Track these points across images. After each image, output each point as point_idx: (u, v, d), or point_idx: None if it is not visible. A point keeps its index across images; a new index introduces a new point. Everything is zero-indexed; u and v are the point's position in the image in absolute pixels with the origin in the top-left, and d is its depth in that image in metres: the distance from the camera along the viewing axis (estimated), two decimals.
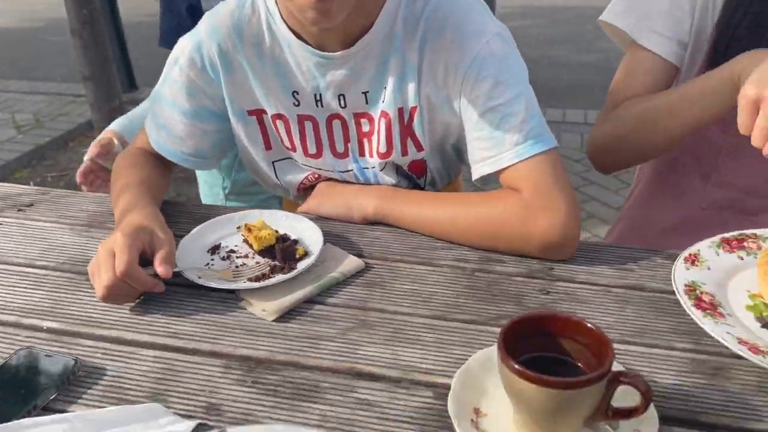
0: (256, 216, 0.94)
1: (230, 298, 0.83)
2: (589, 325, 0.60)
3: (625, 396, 0.59)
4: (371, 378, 0.70)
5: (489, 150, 0.89)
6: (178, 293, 0.84)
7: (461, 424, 0.60)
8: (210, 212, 0.99)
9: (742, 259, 0.82)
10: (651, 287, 0.83)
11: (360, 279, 0.87)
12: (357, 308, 0.81)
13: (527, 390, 0.57)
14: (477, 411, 0.63)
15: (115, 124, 1.30)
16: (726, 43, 0.94)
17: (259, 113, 0.98)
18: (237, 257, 0.90)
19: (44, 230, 0.99)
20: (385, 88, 0.92)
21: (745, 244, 0.84)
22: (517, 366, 0.57)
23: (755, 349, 0.67)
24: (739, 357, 0.68)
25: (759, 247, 0.84)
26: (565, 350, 0.62)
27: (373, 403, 0.67)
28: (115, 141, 1.25)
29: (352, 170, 1.00)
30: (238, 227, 0.94)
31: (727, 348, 0.68)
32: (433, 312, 0.80)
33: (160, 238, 0.83)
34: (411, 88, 0.91)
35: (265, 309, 0.80)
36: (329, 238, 0.93)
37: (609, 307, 0.80)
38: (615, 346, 0.73)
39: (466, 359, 0.68)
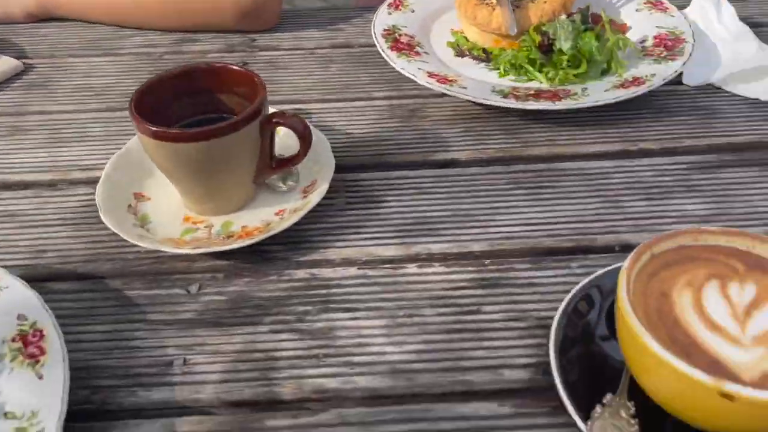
0: None
1: None
2: (236, 67, 0.51)
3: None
4: (20, 187, 0.57)
5: None
6: None
7: (112, 212, 0.50)
8: None
9: None
10: (359, 43, 0.75)
11: (17, 83, 0.70)
12: (10, 115, 0.66)
13: (171, 153, 0.47)
14: (138, 195, 0.54)
15: None
16: None
17: None
18: None
19: None
20: None
21: None
22: (152, 128, 0.46)
23: (444, 80, 0.62)
24: (438, 95, 0.64)
25: None
26: (229, 107, 0.53)
27: (17, 213, 0.55)
28: None
29: None
30: None
31: (424, 88, 0.64)
32: (106, 105, 0.67)
33: None
34: None
35: None
36: None
37: (313, 69, 0.71)
38: (316, 105, 0.66)
39: None
